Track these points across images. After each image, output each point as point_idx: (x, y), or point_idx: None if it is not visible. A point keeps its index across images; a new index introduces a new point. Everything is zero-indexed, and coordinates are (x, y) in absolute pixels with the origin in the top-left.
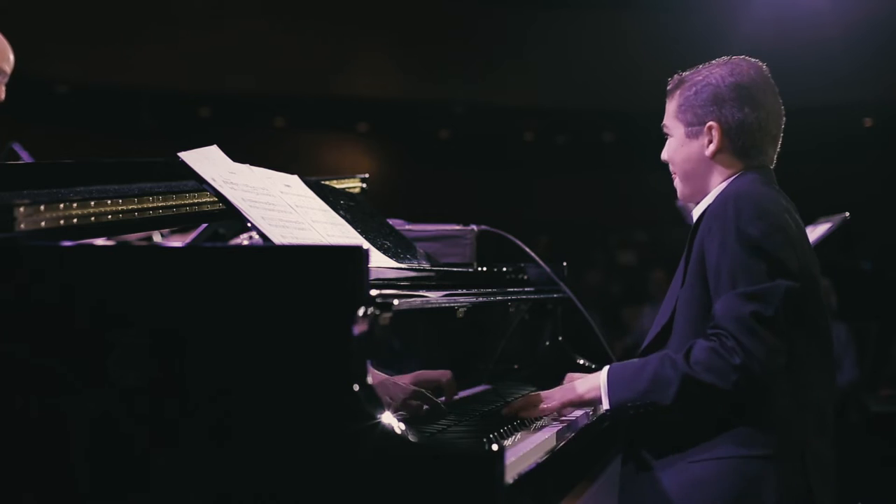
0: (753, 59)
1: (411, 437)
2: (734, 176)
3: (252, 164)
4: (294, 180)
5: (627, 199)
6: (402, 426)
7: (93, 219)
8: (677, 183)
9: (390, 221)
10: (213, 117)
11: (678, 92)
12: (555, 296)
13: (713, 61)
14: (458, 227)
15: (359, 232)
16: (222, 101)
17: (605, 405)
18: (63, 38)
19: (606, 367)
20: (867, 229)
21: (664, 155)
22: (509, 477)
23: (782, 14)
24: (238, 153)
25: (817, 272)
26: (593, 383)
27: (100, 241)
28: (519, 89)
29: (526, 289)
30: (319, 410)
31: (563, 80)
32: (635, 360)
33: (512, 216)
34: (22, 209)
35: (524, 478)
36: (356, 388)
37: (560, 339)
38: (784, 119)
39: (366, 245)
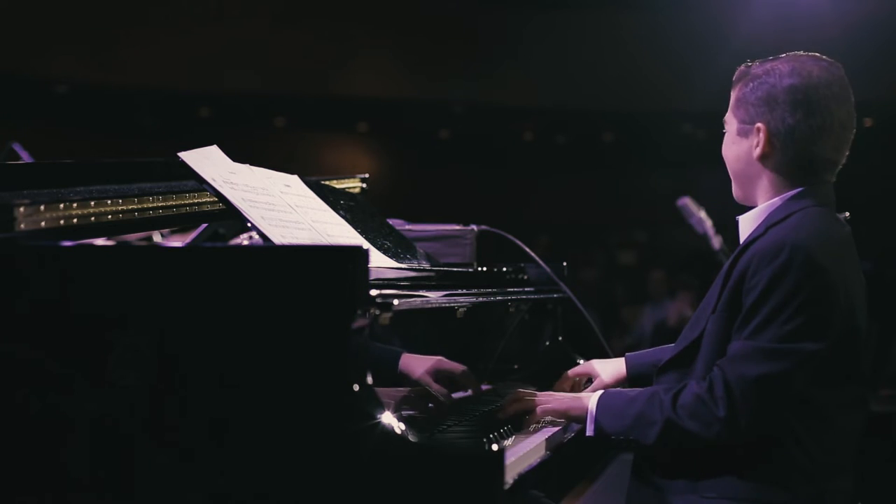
0: (829, 60)
1: (411, 437)
2: (788, 195)
3: (252, 164)
4: (294, 180)
5: (627, 199)
6: (402, 426)
7: (93, 219)
8: (733, 182)
9: (390, 221)
10: (213, 117)
11: (739, 85)
12: (555, 296)
13: (785, 55)
14: (458, 227)
15: (359, 232)
16: (222, 101)
17: (589, 431)
18: (63, 38)
19: (598, 394)
20: (867, 229)
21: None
22: (509, 477)
23: (782, 14)
24: (238, 153)
25: (862, 314)
26: (581, 405)
27: (100, 241)
28: (519, 89)
29: (526, 289)
30: (319, 410)
31: (563, 80)
32: (629, 390)
33: (512, 216)
34: (22, 209)
35: (524, 478)
36: (356, 388)
37: (560, 339)
38: (854, 130)
39: (366, 245)
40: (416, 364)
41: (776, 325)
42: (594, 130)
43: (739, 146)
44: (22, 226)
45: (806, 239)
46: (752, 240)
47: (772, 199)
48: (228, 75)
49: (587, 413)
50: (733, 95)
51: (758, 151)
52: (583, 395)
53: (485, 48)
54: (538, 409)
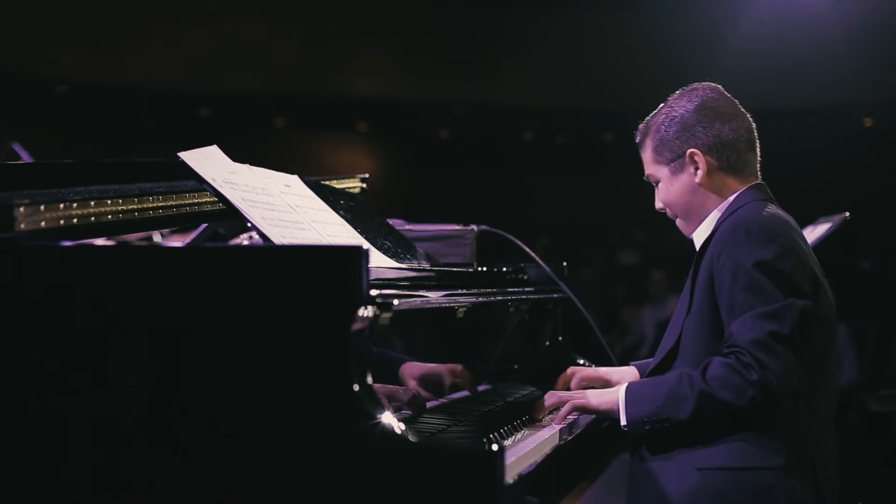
0: (706, 82)
1: (411, 437)
2: (732, 196)
3: (252, 164)
4: (294, 180)
5: (627, 199)
6: (402, 426)
7: (93, 219)
8: (680, 223)
9: (390, 221)
10: (213, 117)
11: (648, 138)
12: (555, 296)
13: (669, 98)
14: (458, 227)
15: (359, 232)
16: (222, 101)
17: (623, 421)
18: (63, 38)
19: (624, 385)
20: (867, 229)
21: (658, 204)
22: (509, 477)
23: (782, 14)
24: (238, 153)
25: (825, 285)
26: (610, 398)
27: (100, 241)
28: (519, 89)
29: (526, 289)
30: (319, 410)
31: (563, 80)
32: (652, 377)
33: (512, 216)
34: (22, 209)
35: (524, 478)
36: (356, 388)
37: (560, 339)
38: (755, 127)
39: (366, 245)
40: (411, 370)
41: (760, 292)
42: (594, 130)
43: (679, 183)
44: (22, 226)
45: (755, 215)
46: (707, 241)
47: (714, 208)
48: (228, 75)
49: (617, 405)
50: (647, 151)
51: (700, 174)
52: (609, 390)
53: (485, 48)
54: (570, 405)
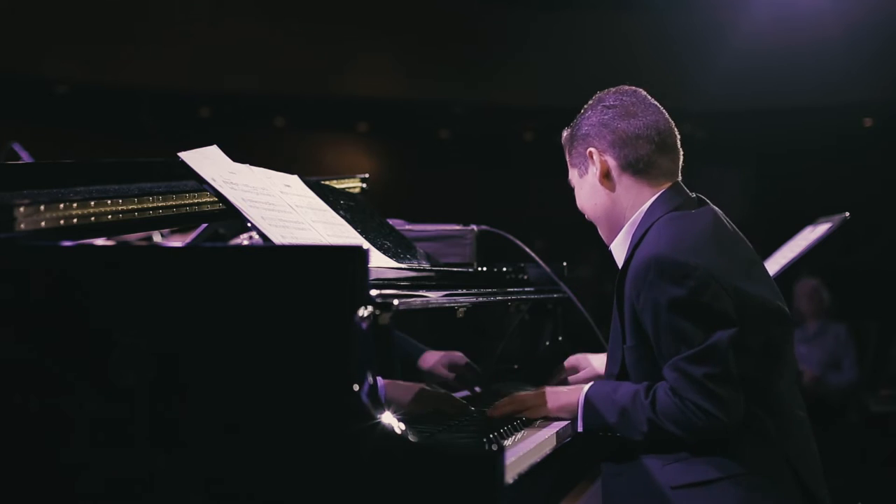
0: (625, 86)
1: (411, 437)
2: (644, 207)
3: (252, 164)
4: (294, 180)
5: None
6: (402, 426)
7: (93, 219)
8: (601, 232)
9: (390, 221)
10: (213, 117)
11: (567, 144)
12: (555, 296)
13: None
14: (458, 227)
15: (359, 232)
16: (222, 101)
17: (578, 428)
18: (63, 38)
19: (584, 391)
20: (867, 229)
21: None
22: (509, 477)
23: (782, 14)
24: (238, 153)
25: (756, 291)
26: (569, 401)
27: (100, 241)
28: (519, 89)
29: (526, 289)
30: (320, 411)
31: (563, 80)
32: (612, 386)
33: (512, 216)
34: (22, 209)
35: (524, 478)
36: (356, 387)
37: (560, 339)
38: (676, 132)
39: (366, 245)
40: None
41: (683, 334)
42: None
43: (586, 183)
44: (22, 226)
45: (665, 247)
46: (626, 264)
47: (630, 217)
48: (228, 75)
49: (575, 411)
50: (567, 156)
51: (598, 171)
52: (572, 392)
53: (485, 48)
54: (529, 414)
